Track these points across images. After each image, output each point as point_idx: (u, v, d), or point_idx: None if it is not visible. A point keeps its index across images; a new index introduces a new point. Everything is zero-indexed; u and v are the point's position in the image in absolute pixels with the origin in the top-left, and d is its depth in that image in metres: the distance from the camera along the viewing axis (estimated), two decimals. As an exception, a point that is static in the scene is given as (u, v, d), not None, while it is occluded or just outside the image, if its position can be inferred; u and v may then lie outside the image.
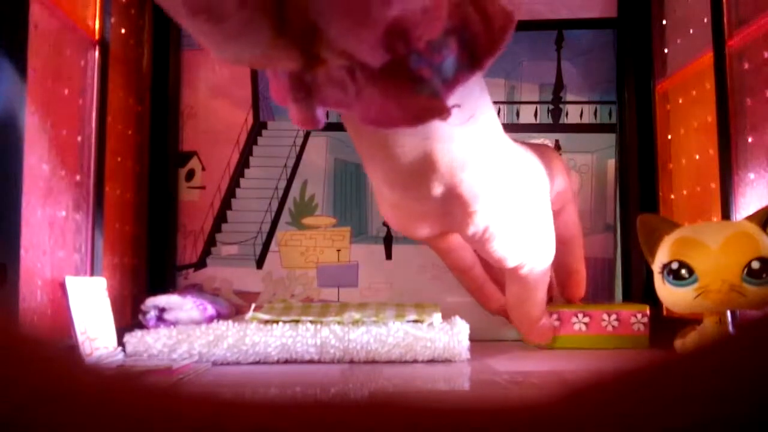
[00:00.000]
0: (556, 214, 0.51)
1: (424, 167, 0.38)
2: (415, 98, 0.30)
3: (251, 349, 0.49)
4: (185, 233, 0.69)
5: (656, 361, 0.15)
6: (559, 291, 0.59)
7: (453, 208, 0.40)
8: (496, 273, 0.56)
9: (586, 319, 0.56)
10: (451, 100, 0.31)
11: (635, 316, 0.56)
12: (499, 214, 0.41)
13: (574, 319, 0.56)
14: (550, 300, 0.59)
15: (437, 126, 0.35)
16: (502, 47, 0.30)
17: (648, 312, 0.57)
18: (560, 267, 0.57)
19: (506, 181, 0.41)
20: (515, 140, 0.45)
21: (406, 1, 0.27)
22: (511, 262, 0.45)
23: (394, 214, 0.44)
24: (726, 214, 0.54)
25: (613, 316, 0.56)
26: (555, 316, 0.56)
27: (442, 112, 0.31)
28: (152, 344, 0.49)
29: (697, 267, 0.46)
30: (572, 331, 0.56)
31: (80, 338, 0.46)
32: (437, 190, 0.39)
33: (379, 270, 0.68)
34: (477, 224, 0.41)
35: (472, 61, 0.30)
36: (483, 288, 0.58)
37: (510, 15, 0.30)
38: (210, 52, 0.29)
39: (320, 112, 0.33)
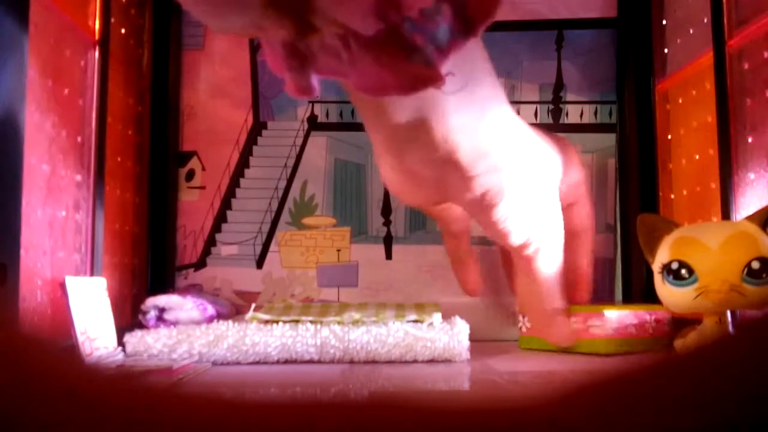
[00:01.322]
0: (569, 206, 0.51)
1: (421, 132, 0.38)
2: (409, 66, 0.30)
3: (251, 349, 0.49)
4: (185, 233, 0.69)
5: (656, 361, 0.15)
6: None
7: (451, 172, 0.40)
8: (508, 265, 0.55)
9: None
10: (445, 68, 0.31)
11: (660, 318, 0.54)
12: (499, 181, 0.41)
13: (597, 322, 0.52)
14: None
15: (432, 93, 0.35)
16: (494, 13, 0.30)
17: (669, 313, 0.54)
18: (566, 264, 0.56)
19: (508, 151, 0.41)
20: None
21: None
22: (515, 238, 0.44)
23: (395, 177, 0.44)
24: (726, 214, 0.54)
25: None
26: (574, 319, 0.53)
27: (436, 80, 0.31)
28: (152, 344, 0.49)
29: (697, 267, 0.46)
30: (592, 335, 0.52)
31: (80, 338, 0.46)
32: (434, 154, 0.39)
33: (379, 270, 0.68)
34: (474, 190, 0.41)
35: (465, 27, 0.30)
36: (465, 262, 0.56)
37: None
38: (204, 22, 0.29)
39: (315, 81, 0.33)
